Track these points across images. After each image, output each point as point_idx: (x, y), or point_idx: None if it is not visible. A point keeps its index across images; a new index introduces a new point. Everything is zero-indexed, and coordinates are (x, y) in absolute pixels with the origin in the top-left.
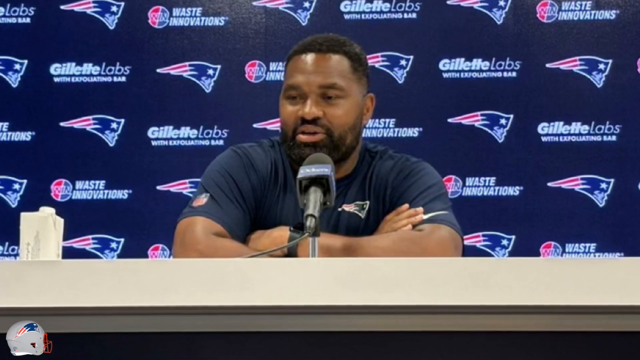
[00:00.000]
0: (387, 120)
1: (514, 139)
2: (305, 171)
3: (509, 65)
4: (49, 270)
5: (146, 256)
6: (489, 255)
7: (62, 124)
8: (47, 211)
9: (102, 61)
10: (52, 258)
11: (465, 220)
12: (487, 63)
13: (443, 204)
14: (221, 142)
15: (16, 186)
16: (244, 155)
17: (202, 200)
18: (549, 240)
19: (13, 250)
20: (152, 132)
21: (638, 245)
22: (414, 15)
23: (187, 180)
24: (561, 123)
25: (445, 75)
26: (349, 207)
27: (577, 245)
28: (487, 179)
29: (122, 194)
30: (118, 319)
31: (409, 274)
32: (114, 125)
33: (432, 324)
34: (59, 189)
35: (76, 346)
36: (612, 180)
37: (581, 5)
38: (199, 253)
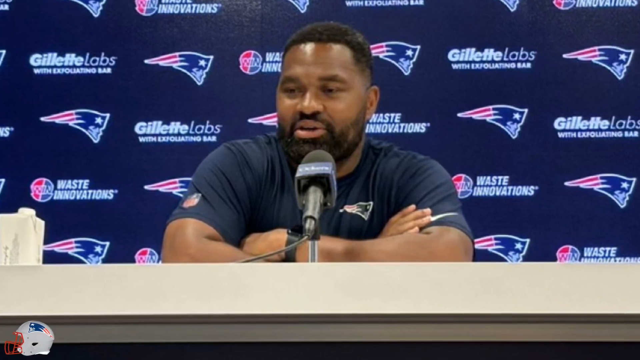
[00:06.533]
0: (392, 114)
1: (528, 135)
2: (304, 170)
3: (523, 55)
4: (29, 276)
5: (133, 261)
6: (502, 259)
7: (42, 118)
8: (27, 212)
9: (85, 51)
10: (32, 263)
11: (476, 222)
12: (500, 53)
13: (452, 205)
14: (214, 139)
15: None
16: (238, 152)
17: (194, 200)
18: (566, 244)
19: None
20: (140, 127)
21: None
22: (421, 2)
23: (177, 180)
24: (579, 118)
25: (454, 66)
26: (351, 208)
27: (596, 249)
28: (500, 178)
29: (107, 194)
30: (103, 329)
31: (416, 280)
32: (98, 121)
33: (441, 333)
34: (40, 189)
35: (58, 357)
36: (634, 179)
37: None
38: (190, 257)
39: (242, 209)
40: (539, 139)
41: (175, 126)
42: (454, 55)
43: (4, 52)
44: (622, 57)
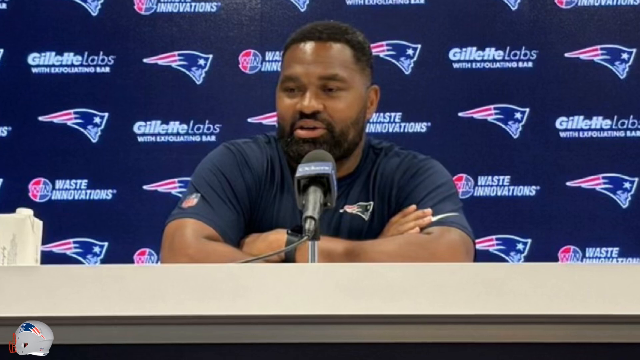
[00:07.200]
0: (393, 114)
1: (530, 135)
2: (304, 169)
3: (525, 54)
4: (27, 276)
5: (132, 261)
6: (503, 260)
7: (40, 118)
8: (25, 213)
9: (84, 50)
10: (30, 263)
11: (477, 222)
12: (501, 52)
13: (453, 205)
14: (213, 138)
15: None
16: (237, 152)
17: (193, 200)
18: (567, 244)
19: None
20: (139, 127)
21: None
22: (422, 1)
23: (176, 180)
24: (581, 117)
25: (455, 65)
26: (351, 209)
27: (598, 249)
28: (501, 177)
29: (105, 194)
30: (101, 330)
31: (417, 281)
32: (97, 120)
33: (442, 334)
34: (38, 189)
35: (56, 358)
36: (636, 179)
37: None
38: (189, 258)
39: (241, 209)
40: (540, 138)
41: (174, 126)
42: (455, 54)
43: (1, 51)
44: (624, 56)
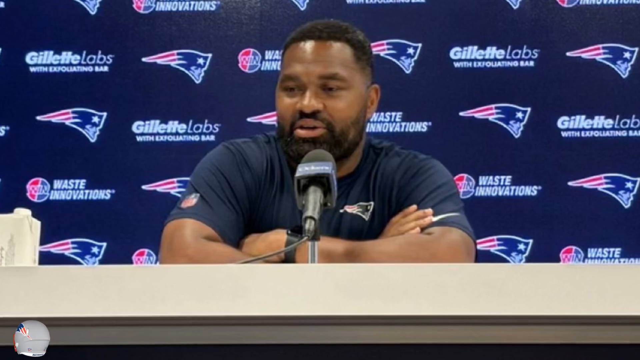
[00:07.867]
0: (394, 113)
1: (531, 134)
2: (304, 169)
3: (526, 54)
4: (25, 277)
5: (130, 262)
6: (504, 260)
7: (38, 117)
8: (23, 213)
9: (82, 49)
10: (28, 264)
11: (478, 222)
12: (503, 51)
13: (454, 205)
14: (212, 138)
15: None
16: (237, 151)
17: (192, 200)
18: (569, 245)
19: None
20: (137, 126)
21: None
22: None
23: (175, 179)
24: (583, 117)
25: (456, 64)
26: (351, 209)
27: (600, 250)
28: (502, 177)
29: (104, 194)
30: (100, 331)
31: (417, 282)
32: (95, 120)
33: (442, 335)
34: (36, 189)
35: None
36: (639, 179)
37: None
38: (188, 258)
39: (241, 209)
40: (542, 138)
41: (173, 125)
42: (456, 53)
43: None
44: (627, 55)
